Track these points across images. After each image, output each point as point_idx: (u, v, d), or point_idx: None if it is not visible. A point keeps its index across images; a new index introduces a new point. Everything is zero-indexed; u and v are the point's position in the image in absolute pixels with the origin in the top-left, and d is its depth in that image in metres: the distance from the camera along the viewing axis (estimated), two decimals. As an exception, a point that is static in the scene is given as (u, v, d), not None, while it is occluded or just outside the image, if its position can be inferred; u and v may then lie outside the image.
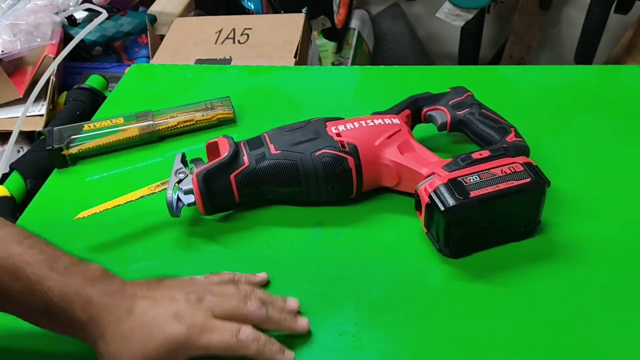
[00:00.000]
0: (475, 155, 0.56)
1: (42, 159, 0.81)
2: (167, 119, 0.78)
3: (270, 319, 0.48)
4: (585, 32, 1.64)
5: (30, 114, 0.97)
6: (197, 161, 0.62)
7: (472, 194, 0.52)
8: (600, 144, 0.70)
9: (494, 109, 0.67)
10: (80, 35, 0.98)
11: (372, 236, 0.60)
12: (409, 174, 0.59)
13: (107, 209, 0.61)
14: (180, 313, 0.46)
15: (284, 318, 0.49)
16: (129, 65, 1.02)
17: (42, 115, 0.97)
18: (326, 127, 0.62)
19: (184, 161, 0.63)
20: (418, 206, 0.56)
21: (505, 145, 0.59)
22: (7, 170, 0.82)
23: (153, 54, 1.14)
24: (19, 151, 0.97)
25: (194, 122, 0.78)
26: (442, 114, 0.67)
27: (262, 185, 0.61)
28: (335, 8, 1.73)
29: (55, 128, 0.76)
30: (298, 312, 0.52)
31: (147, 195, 0.62)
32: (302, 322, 0.50)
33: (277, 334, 0.49)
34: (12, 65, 1.02)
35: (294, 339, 0.50)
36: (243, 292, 0.49)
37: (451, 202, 0.51)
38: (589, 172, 0.66)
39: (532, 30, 1.85)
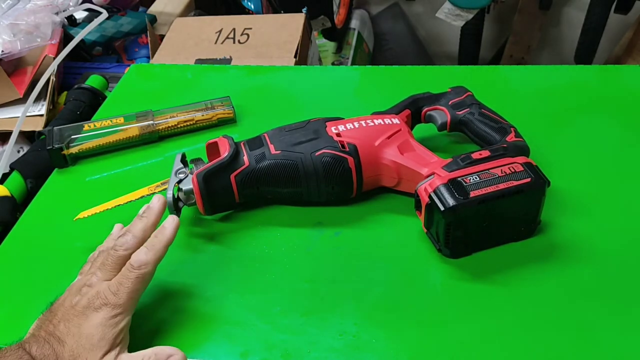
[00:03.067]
0: (475, 155, 0.56)
1: (42, 159, 0.81)
2: (167, 118, 0.78)
3: (138, 237, 0.50)
4: (585, 32, 1.64)
5: (30, 114, 0.97)
6: (197, 161, 0.62)
7: (472, 194, 0.52)
8: (600, 144, 0.70)
9: (494, 109, 0.67)
10: (80, 35, 0.98)
11: (372, 236, 0.60)
12: (409, 174, 0.59)
13: (107, 209, 0.62)
14: (87, 305, 0.46)
15: (144, 224, 0.51)
16: (129, 65, 1.02)
17: (42, 115, 0.97)
18: (326, 127, 0.62)
19: (184, 161, 0.63)
20: (418, 206, 0.56)
21: (505, 145, 0.59)
22: (7, 170, 0.82)
23: (153, 54, 1.14)
24: (19, 151, 0.97)
25: (194, 122, 0.78)
26: (442, 114, 0.67)
27: (262, 185, 0.61)
28: (335, 8, 1.73)
29: (55, 128, 0.76)
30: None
31: (147, 195, 0.62)
32: (155, 204, 0.53)
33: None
34: (12, 65, 1.02)
35: (293, 339, 0.50)
36: (110, 247, 0.51)
37: (451, 202, 0.51)
38: (589, 172, 0.66)
39: (532, 30, 1.85)
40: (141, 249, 0.50)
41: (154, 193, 0.62)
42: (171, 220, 0.52)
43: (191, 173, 0.61)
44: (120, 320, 0.47)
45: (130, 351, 0.48)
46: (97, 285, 0.48)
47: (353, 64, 1.79)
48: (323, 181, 0.60)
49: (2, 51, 0.97)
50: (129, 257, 0.49)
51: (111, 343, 0.46)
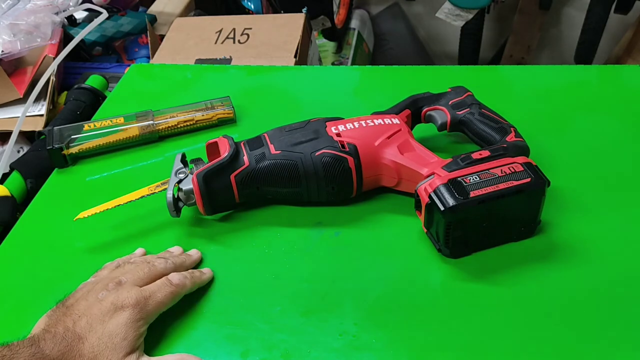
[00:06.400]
0: (475, 155, 0.56)
1: (42, 158, 0.81)
2: (167, 118, 0.78)
3: (177, 265, 0.55)
4: (585, 32, 1.64)
5: (30, 114, 0.97)
6: (197, 161, 0.62)
7: (472, 194, 0.52)
8: (600, 144, 0.70)
9: (494, 109, 0.67)
10: (80, 35, 0.98)
11: (372, 236, 0.60)
12: (409, 174, 0.59)
13: (107, 209, 0.61)
14: (116, 302, 0.47)
15: (183, 260, 0.56)
16: (129, 65, 1.02)
17: (42, 115, 0.97)
18: (326, 127, 0.62)
19: (184, 161, 0.63)
20: (418, 206, 0.56)
21: (505, 145, 0.59)
22: (7, 170, 0.82)
23: (153, 54, 1.14)
24: (19, 151, 0.97)
25: (194, 122, 0.78)
26: (442, 114, 0.67)
27: (262, 185, 0.61)
28: (335, 8, 1.73)
29: (55, 128, 0.76)
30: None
31: (147, 195, 0.62)
32: (195, 254, 0.58)
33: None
34: (12, 65, 1.02)
35: (293, 339, 0.50)
36: (143, 261, 0.53)
37: (451, 202, 0.51)
38: (589, 172, 0.66)
39: (532, 30, 1.85)
40: (182, 273, 0.53)
41: (154, 193, 0.62)
42: (210, 270, 0.57)
43: (191, 173, 0.61)
44: (142, 325, 0.48)
45: None
46: (128, 287, 0.49)
47: (353, 64, 1.79)
48: (323, 181, 0.60)
49: (2, 51, 0.97)
50: (161, 275, 0.52)
51: (133, 345, 0.46)
